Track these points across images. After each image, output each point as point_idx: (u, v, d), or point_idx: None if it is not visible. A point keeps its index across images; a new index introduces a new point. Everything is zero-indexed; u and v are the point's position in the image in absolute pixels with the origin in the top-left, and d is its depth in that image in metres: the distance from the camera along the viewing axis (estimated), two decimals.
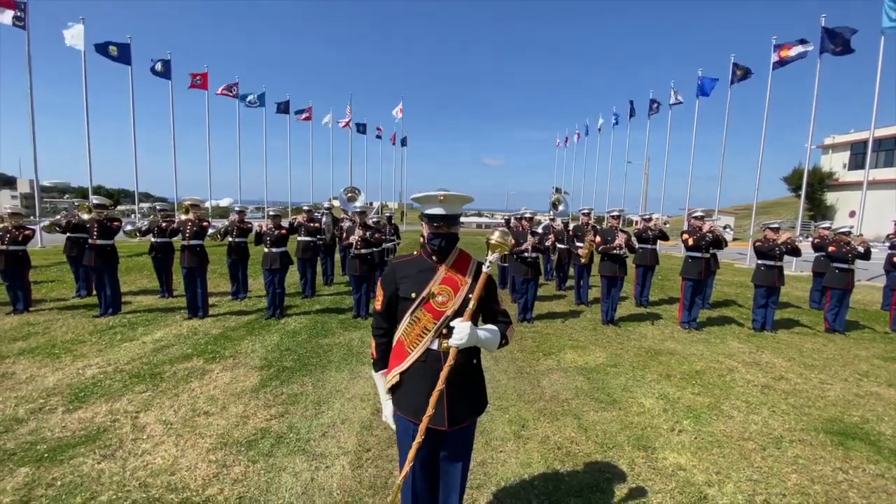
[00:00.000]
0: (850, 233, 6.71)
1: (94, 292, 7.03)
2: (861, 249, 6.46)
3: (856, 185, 29.05)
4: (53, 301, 7.21)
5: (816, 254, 7.99)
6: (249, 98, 22.09)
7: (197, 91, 20.74)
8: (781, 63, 14.41)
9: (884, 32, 11.89)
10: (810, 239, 12.21)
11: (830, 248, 6.71)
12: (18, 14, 14.50)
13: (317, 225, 8.24)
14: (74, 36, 15.50)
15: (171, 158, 20.00)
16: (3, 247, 6.31)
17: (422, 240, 1.87)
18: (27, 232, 6.58)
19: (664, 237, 8.00)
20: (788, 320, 7.21)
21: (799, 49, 13.57)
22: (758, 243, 6.47)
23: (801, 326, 6.88)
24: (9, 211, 6.70)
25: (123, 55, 16.99)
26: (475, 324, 1.77)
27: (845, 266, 6.48)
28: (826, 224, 8.67)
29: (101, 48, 16.31)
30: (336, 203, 13.03)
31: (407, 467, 1.73)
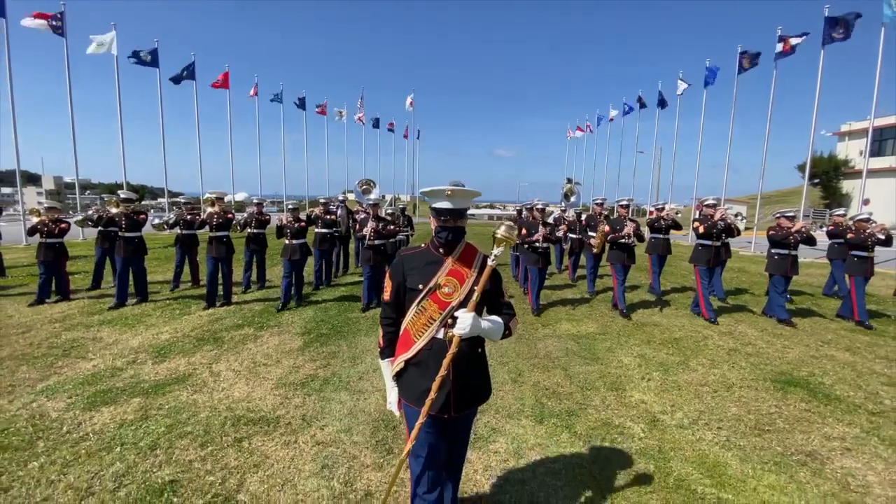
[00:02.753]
0: (869, 220, 6.64)
1: (99, 285, 7.47)
2: (882, 236, 6.39)
3: (872, 173, 28.97)
4: (86, 291, 7.60)
5: (831, 241, 7.86)
6: (271, 97, 23.27)
7: (217, 89, 21.80)
8: (785, 53, 14.75)
9: (884, 24, 12.17)
10: (824, 228, 12.18)
11: (849, 235, 6.62)
12: (56, 24, 15.56)
13: (333, 217, 8.44)
14: (102, 44, 16.52)
15: (197, 155, 21.15)
16: (42, 239, 6.67)
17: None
18: (63, 225, 6.84)
19: (677, 226, 7.87)
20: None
21: (797, 41, 13.93)
22: (771, 231, 6.40)
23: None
24: (45, 205, 7.05)
25: (152, 59, 18.10)
26: (479, 315, 1.83)
27: (864, 254, 6.42)
28: (840, 211, 8.37)
29: (135, 55, 17.42)
30: (351, 196, 13.78)
31: (409, 445, 1.83)
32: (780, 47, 14.94)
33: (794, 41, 14.09)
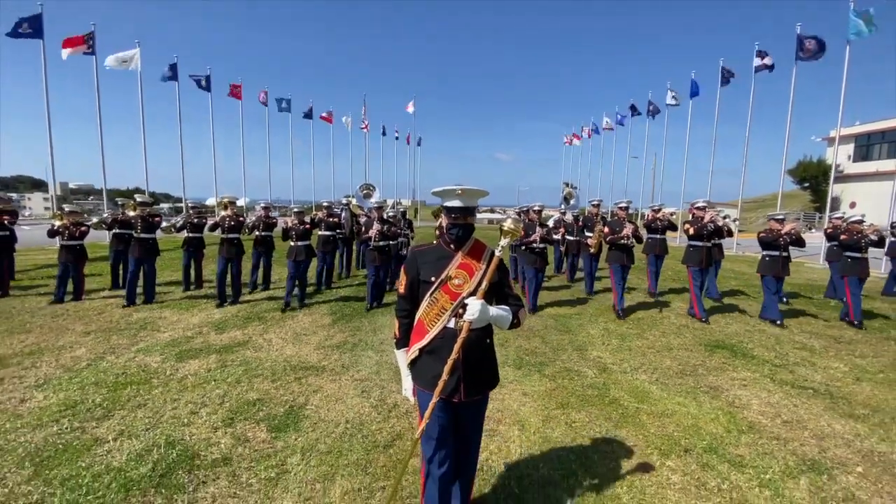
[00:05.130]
0: (862, 221, 6.81)
1: (121, 285, 7.73)
2: (874, 238, 6.57)
3: (860, 177, 30.33)
4: (109, 290, 7.94)
5: (829, 243, 8.01)
6: (281, 104, 24.70)
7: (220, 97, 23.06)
8: (763, 67, 16.01)
9: (849, 42, 13.34)
10: (813, 230, 12.74)
11: (843, 237, 6.76)
12: (89, 42, 16.81)
13: (336, 220, 8.62)
14: (126, 60, 17.76)
15: (212, 161, 22.40)
16: (63, 242, 7.11)
17: (437, 231, 2.29)
18: (83, 228, 7.25)
19: (673, 227, 8.11)
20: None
21: (768, 60, 15.20)
22: (762, 234, 6.56)
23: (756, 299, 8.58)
24: (67, 209, 7.53)
25: (173, 74, 19.42)
26: (489, 304, 1.92)
27: (858, 255, 6.57)
28: (839, 214, 8.55)
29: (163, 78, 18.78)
30: (354, 200, 14.83)
31: (423, 423, 1.94)
32: (758, 62, 16.23)
33: (767, 59, 15.34)
